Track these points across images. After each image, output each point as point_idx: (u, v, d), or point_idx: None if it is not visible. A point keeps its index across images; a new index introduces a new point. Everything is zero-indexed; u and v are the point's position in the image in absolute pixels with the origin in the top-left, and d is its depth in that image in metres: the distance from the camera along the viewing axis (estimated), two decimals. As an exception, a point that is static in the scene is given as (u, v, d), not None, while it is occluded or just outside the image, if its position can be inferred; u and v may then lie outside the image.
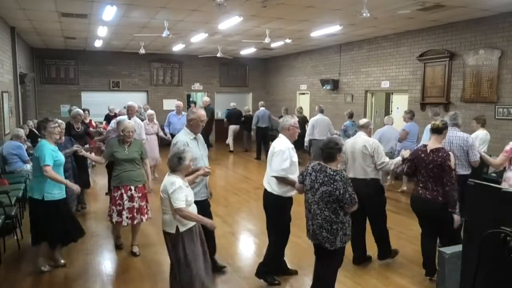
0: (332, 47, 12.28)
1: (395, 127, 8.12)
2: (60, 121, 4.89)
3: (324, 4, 6.98)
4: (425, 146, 4.18)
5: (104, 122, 10.80)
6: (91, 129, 7.61)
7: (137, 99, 13.04)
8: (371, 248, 4.71)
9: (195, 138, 4.05)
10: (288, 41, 11.16)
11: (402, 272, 4.49)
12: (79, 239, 4.59)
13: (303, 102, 13.98)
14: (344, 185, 3.26)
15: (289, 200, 4.05)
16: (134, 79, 14.75)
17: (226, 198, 7.54)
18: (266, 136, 12.11)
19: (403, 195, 7.84)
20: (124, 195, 4.77)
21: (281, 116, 9.49)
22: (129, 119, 6.90)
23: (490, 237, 1.46)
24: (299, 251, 4.90)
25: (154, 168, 8.74)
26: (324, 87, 12.50)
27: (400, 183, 8.38)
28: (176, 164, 3.37)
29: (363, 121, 4.79)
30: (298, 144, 6.45)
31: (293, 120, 4.05)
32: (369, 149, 4.43)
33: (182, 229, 3.35)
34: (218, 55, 11.79)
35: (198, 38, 10.56)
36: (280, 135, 4.08)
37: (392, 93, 10.69)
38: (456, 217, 3.92)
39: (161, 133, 9.13)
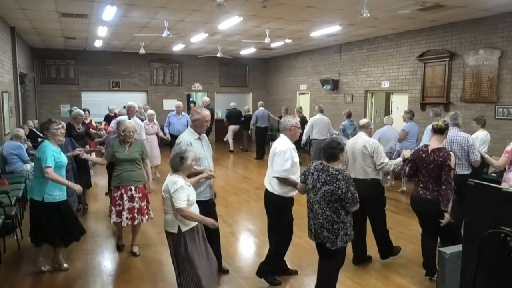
0: (332, 47, 12.28)
1: (395, 127, 8.12)
2: (62, 123, 4.86)
3: (324, 4, 6.98)
4: (426, 146, 4.18)
5: (104, 123, 10.80)
6: (91, 130, 7.61)
7: (137, 99, 13.04)
8: (371, 248, 4.71)
9: (199, 138, 4.03)
10: (288, 41, 11.16)
11: (402, 272, 4.49)
12: (81, 238, 4.58)
13: (303, 102, 13.98)
14: (346, 184, 3.27)
15: (290, 200, 4.06)
16: (134, 79, 14.75)
17: (226, 198, 7.54)
18: (265, 136, 12.15)
19: (403, 195, 7.85)
20: (124, 195, 4.76)
21: (281, 116, 9.52)
22: (129, 119, 6.90)
23: (490, 237, 1.46)
24: (299, 251, 4.90)
25: (156, 169, 8.74)
26: (324, 87, 12.51)
27: (400, 183, 8.38)
28: (178, 164, 3.37)
29: (363, 121, 4.79)
30: (298, 144, 6.46)
31: (294, 120, 4.04)
32: (369, 149, 4.44)
33: (184, 229, 3.35)
34: (218, 55, 11.79)
35: (198, 38, 10.56)
36: (281, 135, 4.07)
37: (392, 93, 10.69)
38: (447, 216, 3.91)
39: (160, 133, 9.12)
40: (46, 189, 4.11)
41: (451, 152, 4.08)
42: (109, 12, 7.55)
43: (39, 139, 9.10)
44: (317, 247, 3.62)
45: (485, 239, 1.48)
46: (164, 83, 15.23)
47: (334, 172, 3.32)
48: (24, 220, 5.91)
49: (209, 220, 3.45)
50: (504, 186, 4.59)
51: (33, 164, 6.43)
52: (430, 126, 5.00)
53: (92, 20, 8.59)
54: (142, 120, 8.41)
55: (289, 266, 4.39)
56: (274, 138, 12.28)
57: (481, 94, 7.86)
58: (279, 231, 4.10)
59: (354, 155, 4.51)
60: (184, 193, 3.28)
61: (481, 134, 5.93)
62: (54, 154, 4.09)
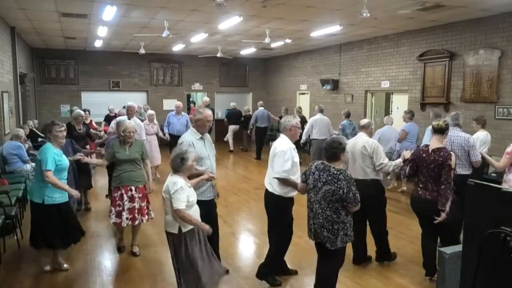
0: (332, 47, 12.28)
1: (395, 127, 8.12)
2: (64, 125, 4.84)
3: (324, 4, 6.98)
4: (427, 146, 4.18)
5: (104, 123, 10.79)
6: (92, 130, 7.61)
7: (137, 99, 13.04)
8: (372, 248, 4.71)
9: (201, 138, 4.03)
10: (288, 41, 11.16)
11: (402, 272, 4.49)
12: (81, 239, 4.58)
13: (303, 102, 13.99)
14: (347, 184, 3.27)
15: (291, 200, 4.05)
16: (134, 79, 14.75)
17: (226, 198, 7.53)
18: (264, 136, 12.15)
19: (403, 195, 7.85)
20: (125, 196, 4.76)
21: (281, 117, 9.51)
22: (129, 119, 6.89)
23: (490, 237, 1.46)
24: (299, 251, 4.90)
25: (156, 170, 8.74)
26: (324, 87, 12.51)
27: (400, 183, 8.38)
28: (179, 164, 3.37)
29: (364, 121, 4.76)
30: (297, 144, 6.45)
31: (295, 120, 4.03)
32: (369, 150, 4.42)
33: (184, 229, 3.35)
34: (218, 55, 11.79)
35: (198, 38, 10.56)
36: (282, 135, 4.07)
37: (392, 93, 10.69)
38: (443, 215, 3.91)
39: (160, 134, 9.11)
40: (46, 191, 4.09)
41: (451, 152, 4.08)
42: (109, 12, 7.55)
43: (39, 139, 9.10)
44: (316, 246, 3.62)
45: (485, 239, 1.48)
46: (164, 83, 15.23)
47: (335, 172, 3.32)
48: (24, 220, 5.91)
49: (205, 227, 3.39)
50: (504, 186, 4.59)
51: (33, 164, 6.45)
52: (431, 127, 5.00)
53: (92, 20, 8.59)
54: (142, 121, 8.39)
55: (289, 266, 4.39)
56: (274, 138, 12.29)
57: (481, 94, 7.86)
58: (279, 231, 4.10)
59: (354, 156, 4.50)
60: (184, 194, 3.27)
61: (481, 135, 5.93)
62: (55, 157, 4.07)
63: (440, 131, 4.12)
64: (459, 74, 8.33)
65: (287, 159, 3.84)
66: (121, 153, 4.80)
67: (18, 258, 4.83)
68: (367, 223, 4.70)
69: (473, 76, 7.98)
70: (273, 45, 11.75)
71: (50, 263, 4.46)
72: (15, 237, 5.21)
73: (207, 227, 3.40)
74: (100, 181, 8.44)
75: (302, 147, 9.66)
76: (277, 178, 3.90)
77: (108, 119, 10.54)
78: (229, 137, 13.31)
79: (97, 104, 13.14)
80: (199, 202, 3.58)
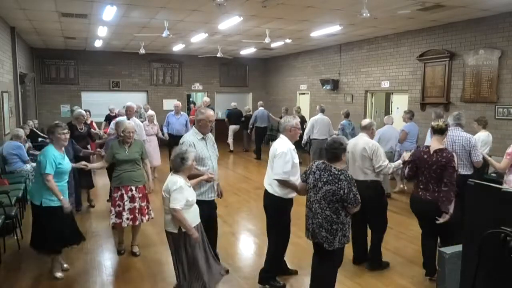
0: (332, 47, 12.28)
1: (395, 127, 8.11)
2: (67, 127, 4.82)
3: (324, 4, 6.98)
4: (427, 147, 4.16)
5: (105, 123, 10.79)
6: (92, 130, 7.61)
7: (137, 99, 13.06)
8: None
9: (203, 138, 4.02)
10: (288, 41, 11.16)
11: (402, 272, 4.49)
12: (81, 242, 4.56)
13: (303, 102, 13.99)
14: (348, 184, 3.26)
15: (290, 201, 4.04)
16: (134, 79, 14.75)
17: (226, 198, 7.50)
18: (264, 136, 12.15)
19: (403, 195, 7.84)
20: (125, 196, 4.76)
21: (281, 117, 9.51)
22: (128, 119, 6.89)
23: (490, 237, 1.46)
24: (299, 251, 4.89)
25: (154, 170, 8.72)
26: (324, 87, 12.51)
27: (400, 183, 8.36)
28: (179, 164, 3.38)
29: (365, 121, 4.68)
30: (297, 144, 6.44)
31: (295, 121, 4.01)
32: (369, 151, 4.38)
33: (184, 229, 3.35)
34: (218, 55, 11.79)
35: (198, 38, 10.56)
36: (281, 135, 4.05)
37: (392, 93, 10.69)
38: (446, 216, 3.89)
39: (160, 134, 9.10)
40: (44, 193, 4.07)
41: (453, 153, 4.07)
42: (109, 12, 7.55)
43: (40, 139, 9.11)
44: (314, 247, 3.61)
45: (485, 239, 1.48)
46: (164, 83, 15.23)
47: (336, 172, 3.32)
48: (24, 220, 5.91)
49: (195, 235, 3.34)
50: (505, 187, 4.59)
51: (33, 164, 6.45)
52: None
53: (92, 20, 8.59)
54: (142, 121, 8.38)
55: (289, 266, 4.39)
56: (273, 138, 12.27)
57: (481, 94, 7.86)
58: (278, 232, 4.08)
59: (354, 156, 4.48)
60: (182, 194, 3.28)
61: (483, 135, 5.93)
62: (54, 160, 4.04)
63: (440, 131, 4.11)
64: (459, 74, 8.33)
65: (287, 160, 3.82)
66: (120, 153, 4.79)
67: (18, 258, 4.83)
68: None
69: (473, 76, 7.98)
70: (273, 45, 11.75)
71: (58, 268, 4.38)
72: (15, 237, 5.21)
73: (196, 235, 3.36)
74: (100, 181, 8.44)
75: (303, 147, 9.66)
76: (277, 179, 3.89)
77: (109, 119, 10.55)
78: (229, 137, 13.31)
79: (97, 104, 13.15)
80: (200, 202, 3.58)
